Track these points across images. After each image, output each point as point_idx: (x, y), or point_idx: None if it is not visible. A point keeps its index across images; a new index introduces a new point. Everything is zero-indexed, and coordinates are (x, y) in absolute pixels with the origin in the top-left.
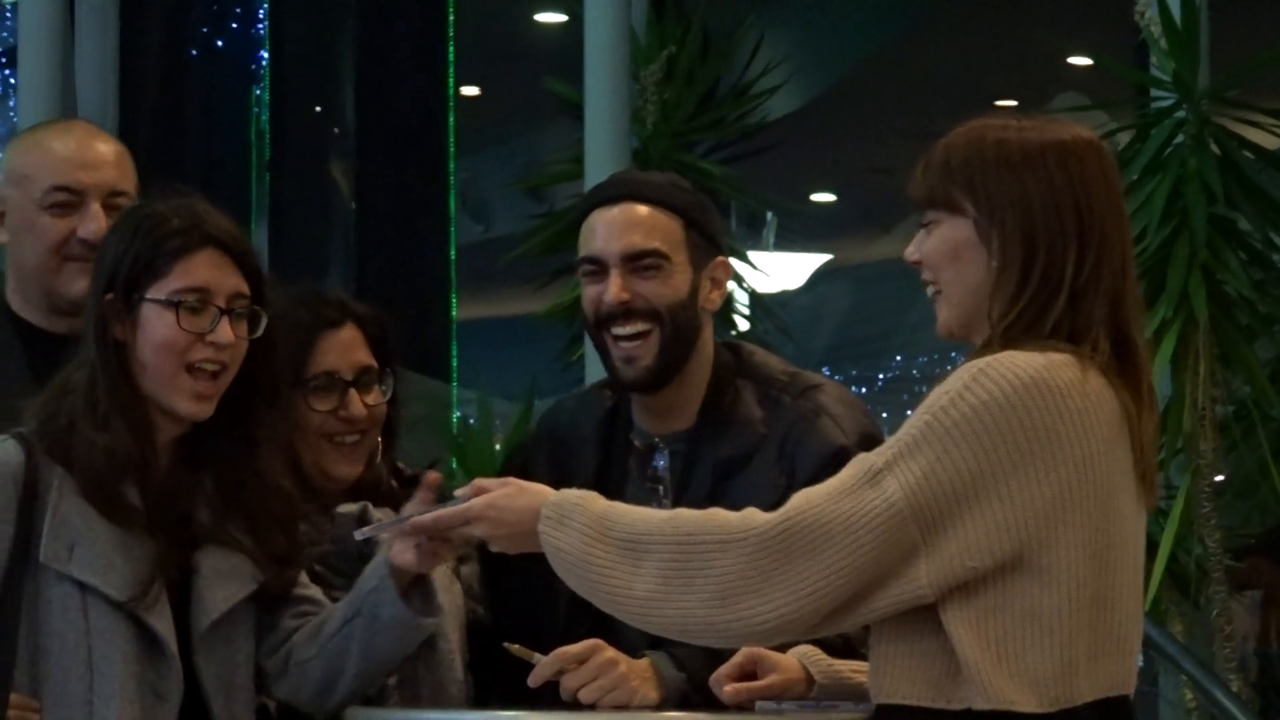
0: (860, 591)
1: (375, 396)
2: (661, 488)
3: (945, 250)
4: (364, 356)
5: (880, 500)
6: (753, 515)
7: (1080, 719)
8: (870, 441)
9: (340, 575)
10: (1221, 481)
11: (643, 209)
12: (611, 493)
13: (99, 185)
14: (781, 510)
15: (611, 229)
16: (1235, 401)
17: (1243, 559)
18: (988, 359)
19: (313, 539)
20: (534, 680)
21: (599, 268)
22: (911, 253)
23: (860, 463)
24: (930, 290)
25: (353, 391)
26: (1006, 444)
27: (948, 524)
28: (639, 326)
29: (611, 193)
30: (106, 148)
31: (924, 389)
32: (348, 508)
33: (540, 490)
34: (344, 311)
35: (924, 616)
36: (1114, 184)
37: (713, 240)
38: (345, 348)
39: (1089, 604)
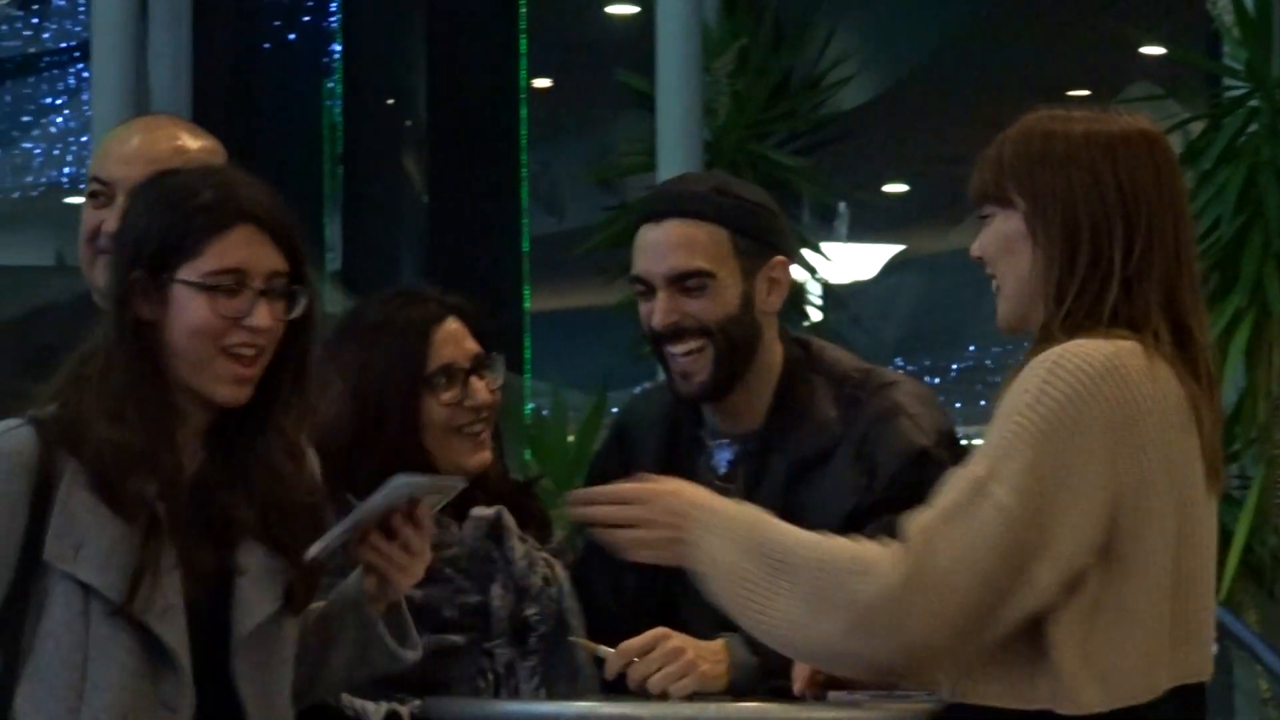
0: (992, 607)
1: (493, 381)
2: (732, 487)
3: (999, 244)
4: (473, 344)
5: (994, 510)
6: (886, 545)
7: (1159, 708)
8: (949, 439)
9: (470, 579)
10: None
11: (685, 226)
12: None
13: (125, 179)
14: (904, 542)
15: (656, 249)
16: None
17: None
18: (1058, 350)
19: (443, 541)
20: (609, 675)
21: (647, 287)
22: (975, 249)
23: (962, 479)
24: (994, 285)
25: (474, 379)
26: (1094, 433)
27: (1059, 521)
28: (691, 344)
29: (655, 208)
30: (147, 141)
31: (997, 379)
32: (481, 511)
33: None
34: (443, 305)
35: None
36: (1166, 173)
37: (766, 242)
38: (456, 338)
39: (1170, 592)
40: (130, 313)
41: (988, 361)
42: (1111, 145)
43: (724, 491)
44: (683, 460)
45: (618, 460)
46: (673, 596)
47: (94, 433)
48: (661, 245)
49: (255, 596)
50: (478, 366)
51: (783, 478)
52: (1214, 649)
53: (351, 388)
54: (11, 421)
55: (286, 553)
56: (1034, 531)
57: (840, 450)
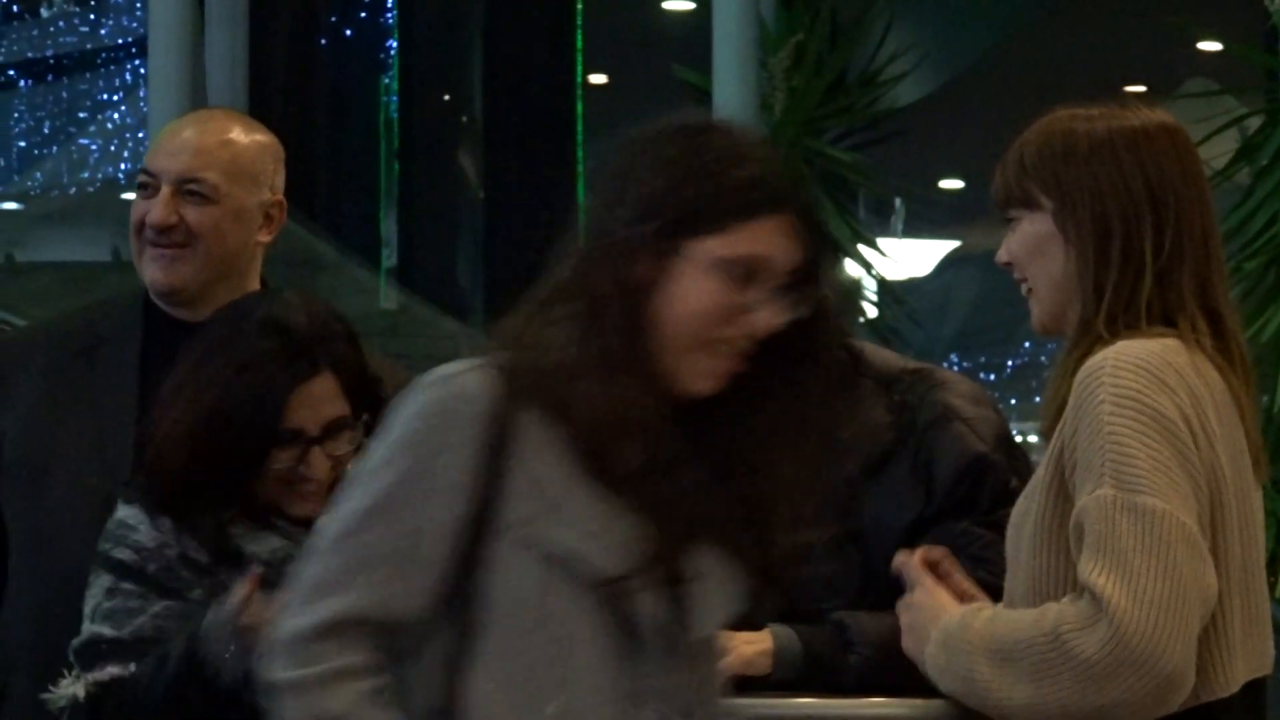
0: (1205, 602)
1: (336, 449)
2: None
3: (1028, 246)
4: (335, 408)
5: (1153, 520)
6: (1090, 597)
7: (1234, 702)
8: (1006, 442)
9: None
10: None
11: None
12: None
13: (168, 171)
14: (1100, 591)
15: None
16: None
17: None
18: (1108, 355)
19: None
20: None
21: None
22: (1001, 255)
23: (1096, 504)
24: (1024, 289)
25: (315, 450)
26: (1169, 433)
27: (1187, 504)
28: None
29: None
30: (195, 133)
31: None
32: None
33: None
34: (315, 363)
35: None
36: (1189, 163)
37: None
38: (315, 402)
39: (1241, 584)
40: (633, 268)
41: (1043, 358)
42: (1134, 139)
43: None
44: None
45: None
46: None
47: (580, 390)
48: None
49: (712, 602)
50: (326, 436)
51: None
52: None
53: (204, 412)
54: (462, 364)
55: (747, 559)
56: (1187, 514)
57: (896, 460)
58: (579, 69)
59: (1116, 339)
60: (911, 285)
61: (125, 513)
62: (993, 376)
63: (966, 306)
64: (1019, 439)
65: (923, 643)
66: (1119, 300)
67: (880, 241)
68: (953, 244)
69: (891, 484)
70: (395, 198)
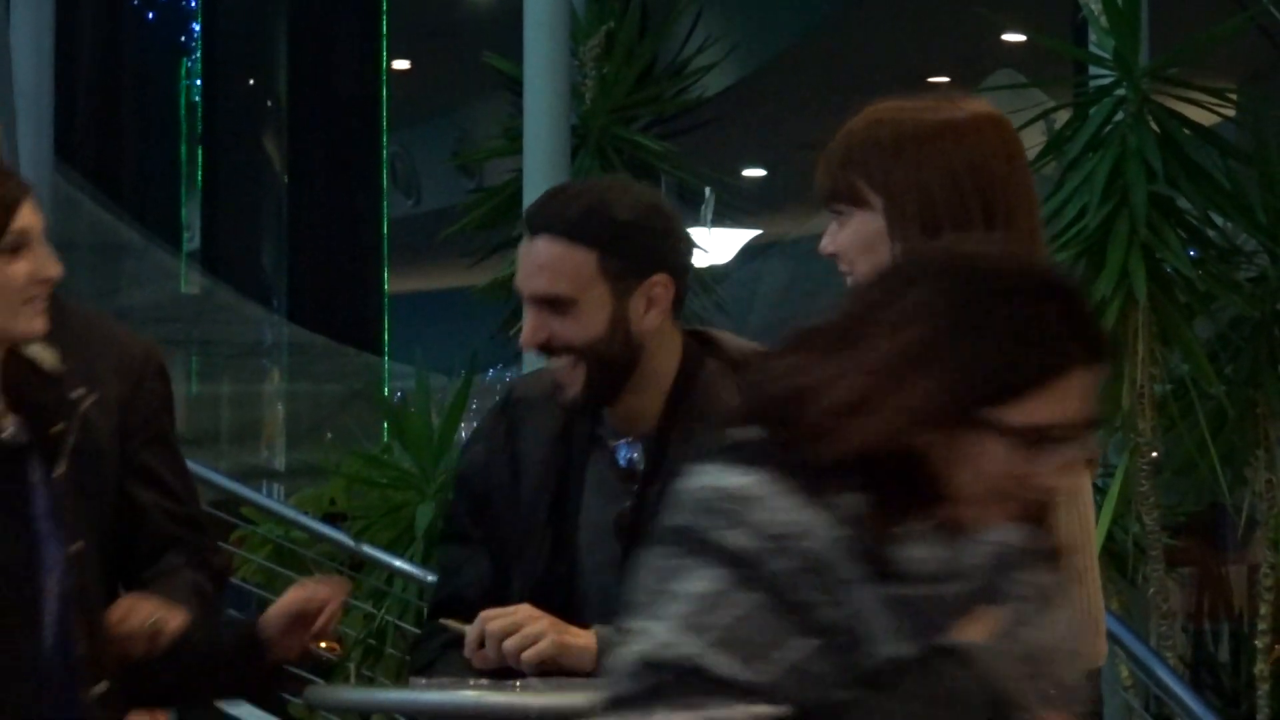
0: None
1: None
2: (635, 485)
3: (858, 243)
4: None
5: None
6: None
7: None
8: None
9: None
10: (1159, 460)
11: (553, 247)
12: (569, 489)
13: None
14: None
15: (526, 266)
16: (1173, 380)
17: (1178, 537)
18: None
19: None
20: (468, 648)
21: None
22: (826, 245)
23: None
24: (849, 281)
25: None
26: None
27: None
28: (562, 361)
29: (533, 220)
30: None
31: None
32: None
33: None
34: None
35: None
36: (1016, 158)
37: (645, 260)
38: None
39: (1078, 580)
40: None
41: None
42: (961, 133)
43: (625, 490)
44: (576, 456)
45: (504, 447)
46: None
47: None
48: (530, 264)
49: None
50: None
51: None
52: None
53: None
54: None
55: None
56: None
57: None
58: (384, 55)
59: None
60: (719, 274)
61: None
62: None
63: (774, 296)
64: None
65: None
66: None
67: (689, 231)
68: (756, 233)
69: None
70: (198, 182)
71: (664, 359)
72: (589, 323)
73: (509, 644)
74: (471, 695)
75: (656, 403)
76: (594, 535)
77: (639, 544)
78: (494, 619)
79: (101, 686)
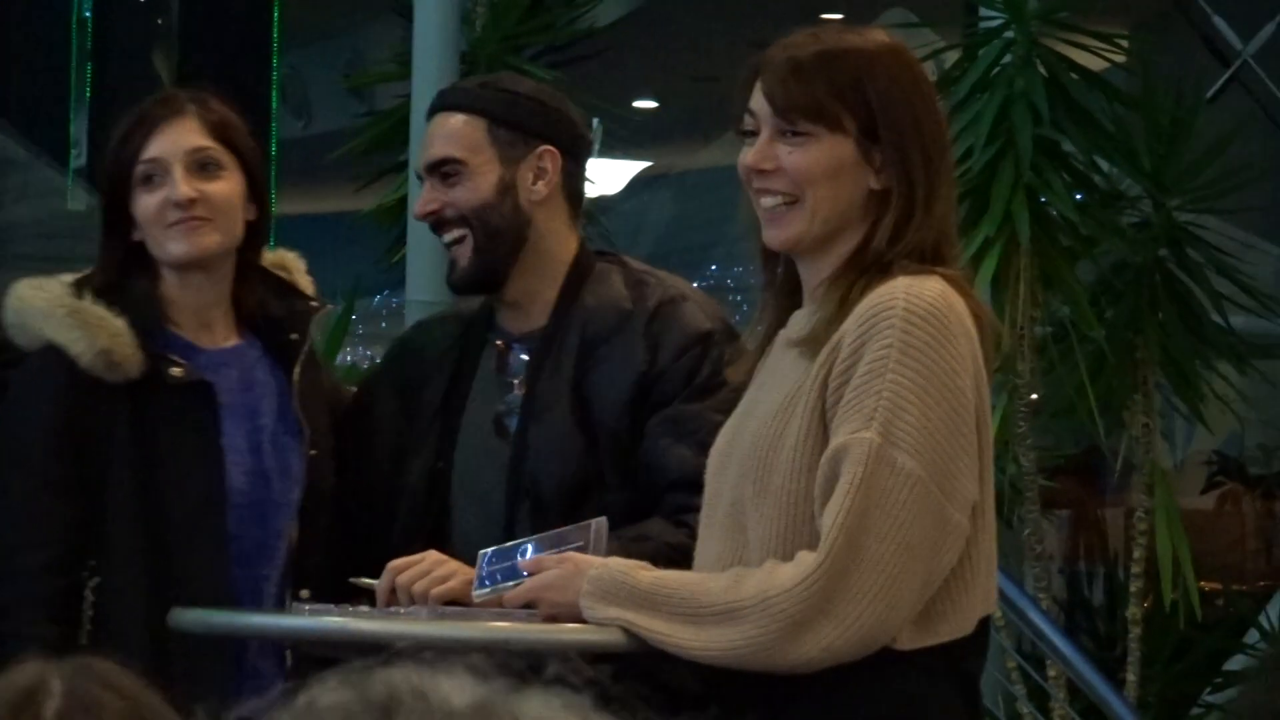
0: (929, 568)
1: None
2: (516, 381)
3: (824, 167)
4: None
5: (904, 480)
6: (802, 557)
7: (970, 639)
8: (729, 331)
9: None
10: (1037, 401)
11: (448, 119)
12: (461, 392)
13: None
14: (822, 542)
15: (424, 144)
16: (1054, 323)
17: (1054, 479)
18: (893, 293)
19: None
20: (380, 600)
21: (421, 179)
22: (763, 160)
23: (858, 448)
24: (775, 200)
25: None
26: (962, 373)
27: (957, 465)
28: (455, 233)
29: (433, 104)
30: None
31: (737, 298)
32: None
33: (588, 563)
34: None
35: None
36: (930, 87)
37: (532, 131)
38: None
39: (988, 525)
40: None
41: (729, 281)
42: (905, 63)
43: (508, 387)
44: (466, 365)
45: (394, 387)
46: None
47: None
48: (427, 138)
49: None
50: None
51: (574, 360)
52: None
53: None
54: None
55: None
56: (942, 482)
57: (629, 326)
58: None
59: (894, 269)
60: (605, 204)
61: None
62: None
63: (660, 229)
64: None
65: (573, 595)
66: (908, 229)
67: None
68: (645, 164)
69: (620, 350)
70: (87, 98)
71: (555, 244)
72: (477, 186)
73: (418, 585)
74: (340, 621)
75: (549, 291)
76: (474, 434)
77: (520, 438)
78: (403, 568)
79: (305, 593)
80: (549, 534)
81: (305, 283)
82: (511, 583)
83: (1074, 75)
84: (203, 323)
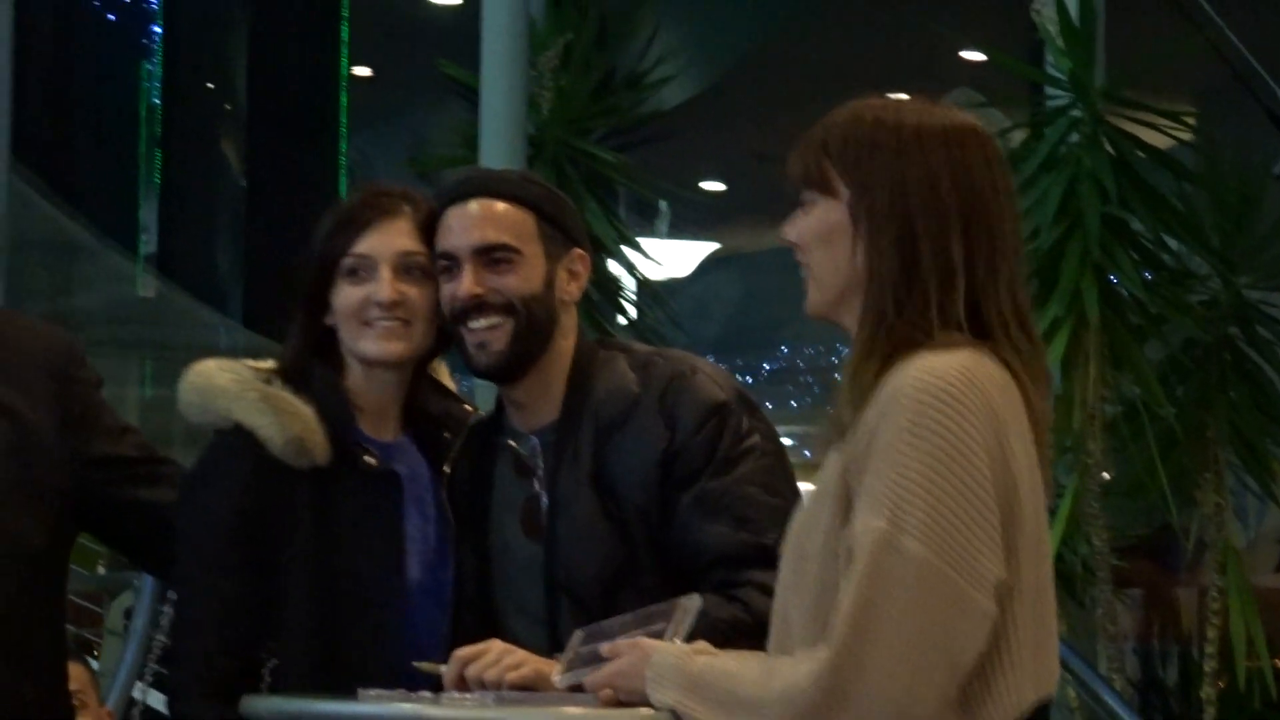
0: (949, 655)
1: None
2: (535, 481)
3: (817, 232)
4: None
5: (912, 567)
6: (816, 651)
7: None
8: (744, 400)
9: None
10: (1109, 481)
11: (495, 204)
12: (484, 500)
13: None
14: (834, 627)
15: (465, 224)
16: (1124, 402)
17: (1126, 558)
18: (908, 373)
19: None
20: (449, 687)
21: (453, 263)
22: (789, 233)
23: (866, 537)
24: (804, 272)
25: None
26: (978, 453)
27: (974, 547)
28: (493, 319)
29: (464, 189)
30: None
31: (809, 379)
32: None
33: (653, 648)
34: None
35: None
36: (998, 170)
37: (568, 233)
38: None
39: (1033, 606)
40: None
41: (799, 362)
42: (946, 139)
43: (527, 486)
44: (485, 470)
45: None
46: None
47: None
48: (470, 220)
49: None
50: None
51: (591, 449)
52: None
53: None
54: None
55: None
56: (957, 564)
57: (641, 406)
58: (343, 61)
59: (920, 347)
60: (673, 286)
61: None
62: (750, 379)
63: (727, 309)
64: (761, 408)
65: (639, 681)
66: (929, 305)
67: (643, 242)
68: (713, 245)
69: (638, 427)
70: (155, 185)
71: (567, 344)
72: (529, 276)
73: (490, 673)
74: (413, 708)
75: (557, 389)
76: (505, 541)
77: (548, 535)
78: (471, 658)
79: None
80: (641, 612)
81: (451, 385)
82: (589, 668)
83: (1140, 153)
84: (380, 416)
